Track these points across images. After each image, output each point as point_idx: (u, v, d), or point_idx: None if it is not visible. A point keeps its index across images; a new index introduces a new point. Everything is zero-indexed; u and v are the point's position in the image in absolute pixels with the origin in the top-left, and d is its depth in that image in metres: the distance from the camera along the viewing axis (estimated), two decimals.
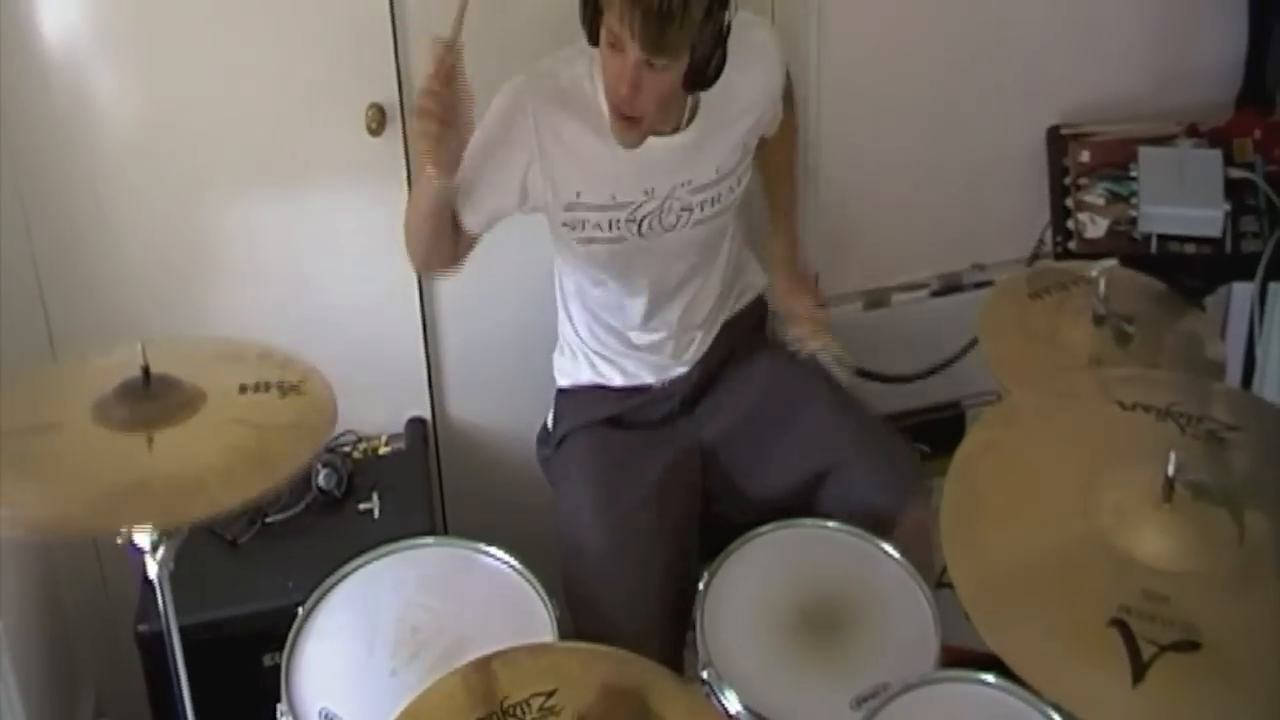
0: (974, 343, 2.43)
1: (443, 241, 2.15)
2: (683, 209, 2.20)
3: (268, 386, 1.88)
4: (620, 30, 1.94)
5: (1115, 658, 1.49)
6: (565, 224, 2.18)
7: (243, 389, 1.89)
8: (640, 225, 2.18)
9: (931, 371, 2.79)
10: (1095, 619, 1.53)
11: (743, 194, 2.29)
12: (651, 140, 2.12)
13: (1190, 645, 1.49)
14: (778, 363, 2.40)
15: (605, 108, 2.08)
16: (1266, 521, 1.61)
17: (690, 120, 2.15)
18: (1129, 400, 1.80)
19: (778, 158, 2.43)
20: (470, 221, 2.15)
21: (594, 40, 2.04)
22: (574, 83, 2.13)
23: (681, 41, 1.95)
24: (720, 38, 2.00)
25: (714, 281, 2.35)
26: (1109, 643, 1.51)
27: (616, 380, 2.37)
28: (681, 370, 2.37)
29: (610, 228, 2.18)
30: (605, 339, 2.35)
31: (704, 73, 2.02)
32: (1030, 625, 1.56)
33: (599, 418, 2.36)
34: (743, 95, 2.17)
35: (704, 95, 2.11)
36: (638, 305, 2.29)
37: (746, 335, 2.44)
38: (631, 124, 2.06)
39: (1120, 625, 1.51)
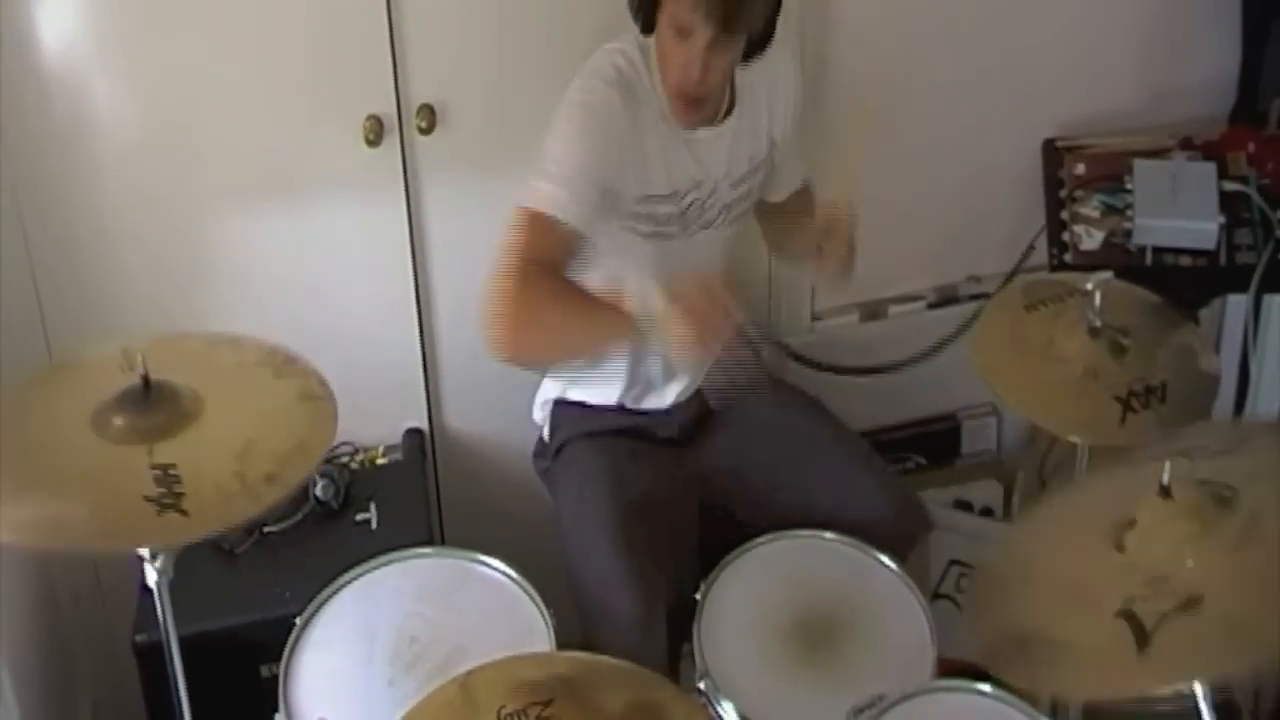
0: (967, 326, 2.45)
1: None
2: (723, 205, 2.22)
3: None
4: (690, 16, 1.99)
5: (1122, 637, 1.48)
6: (632, 215, 2.16)
7: None
8: (685, 217, 2.20)
9: (920, 358, 2.82)
10: (1105, 617, 1.52)
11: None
12: (701, 131, 2.16)
13: (1193, 603, 1.48)
14: (774, 403, 2.40)
15: (662, 94, 2.11)
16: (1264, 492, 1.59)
17: (730, 110, 2.19)
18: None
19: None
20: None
21: (647, 30, 2.07)
22: (636, 74, 2.13)
23: (754, 14, 2.02)
24: (777, 3, 2.07)
25: None
26: (1116, 629, 1.50)
27: (615, 399, 2.36)
28: (679, 388, 2.36)
29: (665, 221, 2.19)
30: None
31: (761, 43, 2.08)
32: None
33: (598, 428, 2.36)
34: (769, 88, 2.22)
35: (739, 86, 2.17)
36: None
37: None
38: (697, 105, 2.10)
39: (1127, 615, 1.51)
